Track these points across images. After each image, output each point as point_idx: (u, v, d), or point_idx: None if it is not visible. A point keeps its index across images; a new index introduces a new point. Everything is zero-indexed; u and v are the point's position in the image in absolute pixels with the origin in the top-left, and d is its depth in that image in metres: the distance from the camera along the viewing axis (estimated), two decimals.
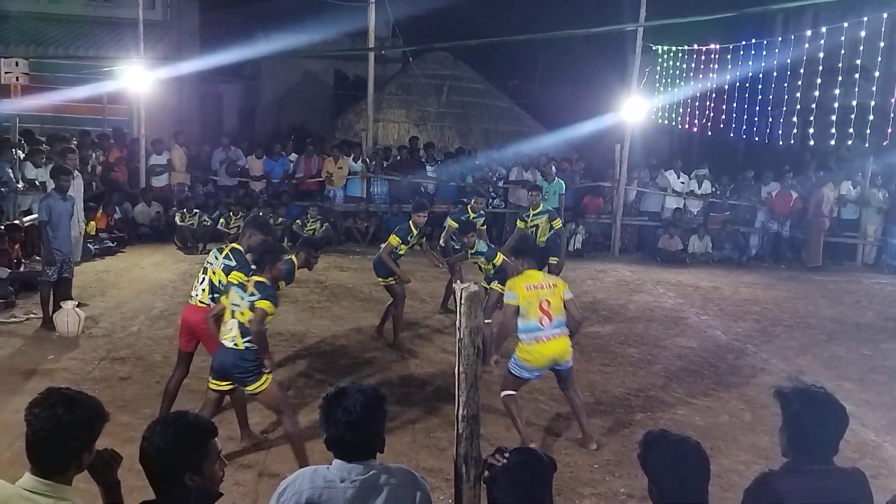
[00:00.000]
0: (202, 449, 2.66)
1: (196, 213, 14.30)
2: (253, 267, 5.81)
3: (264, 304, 5.45)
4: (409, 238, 8.97)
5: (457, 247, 9.86)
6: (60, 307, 8.83)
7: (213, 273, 6.23)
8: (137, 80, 15.19)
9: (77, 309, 8.87)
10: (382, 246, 9.17)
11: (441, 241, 10.82)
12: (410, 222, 9.07)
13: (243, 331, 5.44)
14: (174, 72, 17.00)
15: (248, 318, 5.44)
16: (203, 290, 6.27)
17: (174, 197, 15.35)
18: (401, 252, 8.99)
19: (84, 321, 8.87)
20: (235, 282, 5.67)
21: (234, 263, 6.05)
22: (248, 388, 5.59)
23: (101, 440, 2.69)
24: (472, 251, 8.91)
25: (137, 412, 6.51)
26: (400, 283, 8.94)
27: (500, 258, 8.74)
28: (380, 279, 9.05)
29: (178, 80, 19.19)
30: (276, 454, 5.96)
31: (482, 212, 10.69)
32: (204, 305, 6.19)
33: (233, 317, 5.50)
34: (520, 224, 10.59)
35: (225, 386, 5.66)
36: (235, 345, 5.46)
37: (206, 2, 24.71)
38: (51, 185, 9.76)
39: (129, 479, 2.77)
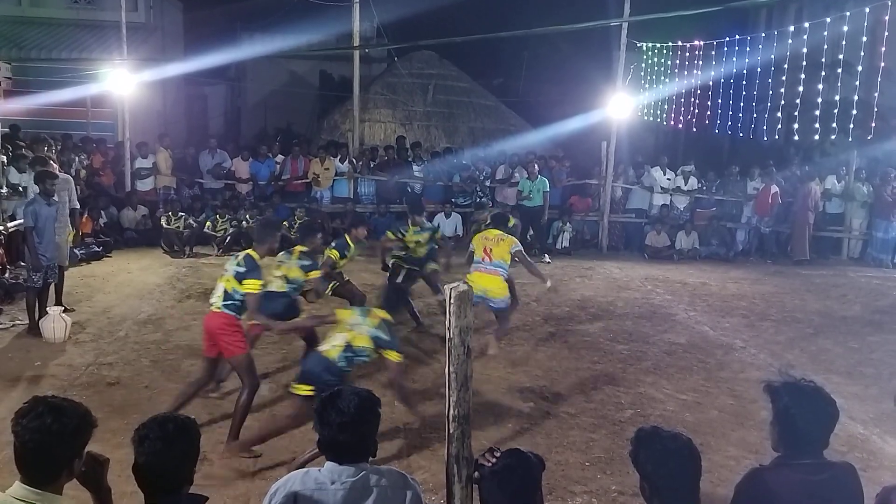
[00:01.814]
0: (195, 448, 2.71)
1: (182, 216, 14.22)
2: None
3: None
4: (346, 253, 8.68)
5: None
6: (46, 313, 8.78)
7: (227, 280, 6.17)
8: (121, 82, 15.10)
9: (63, 315, 8.81)
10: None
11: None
12: (348, 237, 8.75)
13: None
14: (158, 74, 16.94)
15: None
16: (218, 296, 6.21)
17: (160, 200, 15.27)
18: (338, 267, 8.71)
19: (70, 327, 8.81)
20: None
21: (244, 269, 6.07)
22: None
23: (90, 446, 2.67)
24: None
25: (127, 417, 6.47)
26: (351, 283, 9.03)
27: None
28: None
29: (163, 82, 19.14)
30: (268, 457, 5.94)
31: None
32: (219, 312, 6.14)
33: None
34: (390, 235, 9.87)
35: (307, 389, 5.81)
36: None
37: (189, 3, 24.64)
38: (34, 189, 9.68)
39: (120, 484, 2.75)
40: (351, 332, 5.74)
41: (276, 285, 7.42)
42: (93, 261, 12.93)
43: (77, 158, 14.57)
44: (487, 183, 16.36)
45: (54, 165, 12.39)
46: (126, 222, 14.75)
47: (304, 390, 5.57)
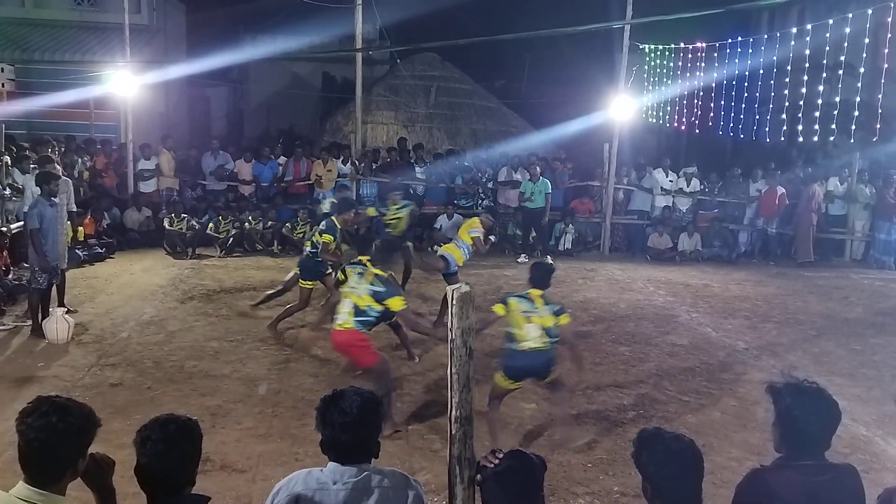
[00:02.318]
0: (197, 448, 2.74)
1: (185, 217, 14.24)
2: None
3: (567, 319, 6.19)
4: (336, 234, 9.06)
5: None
6: (50, 314, 8.80)
7: (359, 297, 6.43)
8: (124, 84, 15.13)
9: (66, 316, 8.83)
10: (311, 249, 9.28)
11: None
12: (335, 220, 9.13)
13: (549, 332, 6.03)
14: (161, 76, 16.97)
15: (553, 323, 6.05)
16: (347, 312, 6.45)
17: (163, 202, 15.30)
18: (335, 247, 9.27)
19: (73, 328, 8.83)
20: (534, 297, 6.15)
21: (382, 289, 6.39)
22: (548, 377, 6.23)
23: (94, 447, 2.68)
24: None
25: (130, 418, 6.48)
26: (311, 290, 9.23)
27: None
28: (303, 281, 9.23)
29: (166, 84, 19.18)
30: (269, 458, 5.95)
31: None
32: (347, 329, 6.43)
33: (529, 322, 6.02)
34: (371, 212, 11.38)
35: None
36: (539, 347, 6.03)
37: (192, 5, 24.68)
38: (34, 190, 9.71)
39: (122, 485, 2.76)
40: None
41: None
42: (96, 262, 12.97)
43: (80, 160, 14.62)
44: (489, 185, 16.36)
45: (57, 167, 12.46)
46: (129, 223, 14.78)
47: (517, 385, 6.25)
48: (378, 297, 6.40)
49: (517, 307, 6.09)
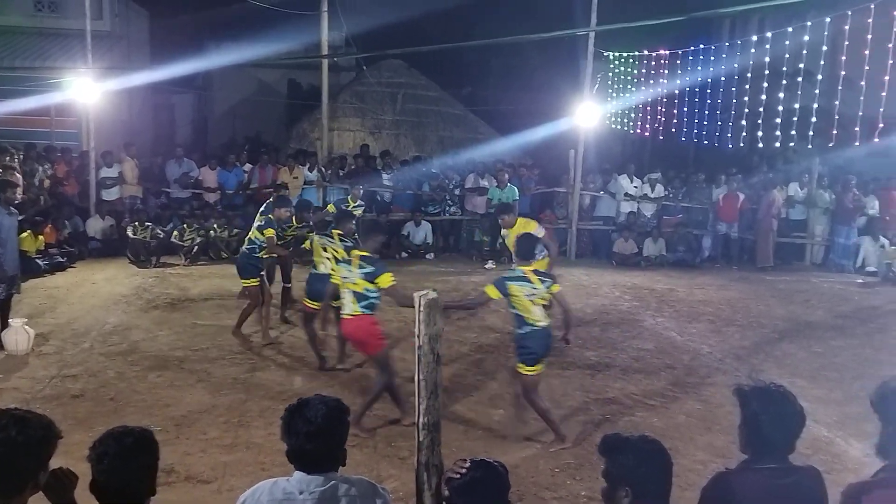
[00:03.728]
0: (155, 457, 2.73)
1: (149, 225, 14.02)
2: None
3: (558, 287, 6.54)
4: (274, 226, 9.16)
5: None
6: (9, 325, 8.61)
7: (355, 284, 6.67)
8: (85, 91, 14.88)
9: (26, 326, 8.65)
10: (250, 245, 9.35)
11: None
12: (271, 216, 9.21)
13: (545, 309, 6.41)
14: (124, 83, 16.70)
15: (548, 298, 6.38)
16: (351, 301, 6.72)
17: (126, 210, 15.07)
18: (283, 240, 9.70)
19: (33, 339, 8.66)
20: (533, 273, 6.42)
21: (371, 269, 6.67)
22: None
23: (55, 460, 2.63)
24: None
25: (92, 430, 6.34)
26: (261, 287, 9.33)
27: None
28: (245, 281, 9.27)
29: (129, 91, 18.89)
30: (235, 468, 5.88)
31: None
32: (358, 315, 6.69)
33: (533, 304, 6.30)
34: (331, 208, 11.54)
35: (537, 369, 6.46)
36: (546, 324, 6.38)
37: (155, 12, 24.38)
38: None
39: (85, 499, 2.70)
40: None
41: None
42: (56, 272, 12.72)
43: (41, 168, 14.35)
44: (456, 191, 16.37)
45: (17, 175, 12.23)
46: (91, 232, 14.54)
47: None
48: (370, 278, 6.64)
49: (521, 291, 6.31)
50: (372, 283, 6.64)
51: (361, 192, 12.73)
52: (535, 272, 6.43)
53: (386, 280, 6.63)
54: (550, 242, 9.12)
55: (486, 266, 14.54)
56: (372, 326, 6.72)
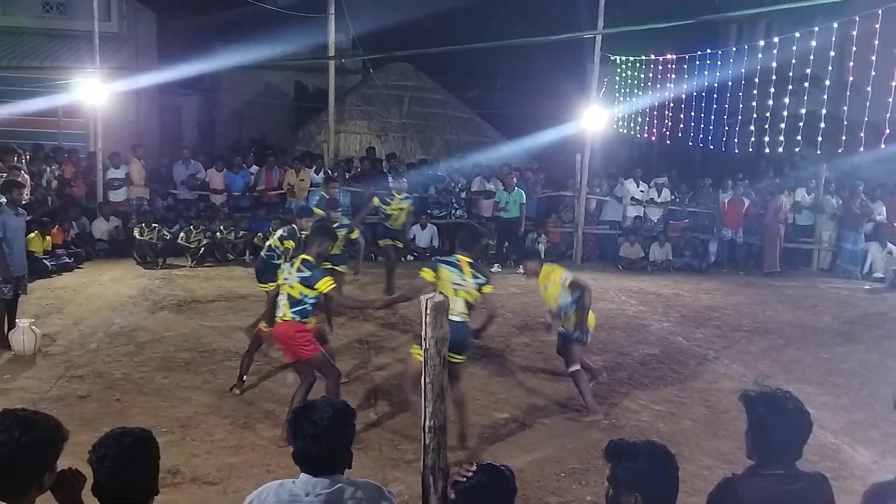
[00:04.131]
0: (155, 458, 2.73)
1: (155, 227, 14.05)
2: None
3: (490, 289, 6.37)
4: (296, 238, 9.03)
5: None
6: (16, 325, 8.64)
7: (291, 287, 6.46)
8: (93, 92, 14.95)
9: (33, 327, 8.67)
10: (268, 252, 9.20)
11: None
12: (295, 226, 9.17)
13: (469, 306, 6.24)
14: (131, 84, 16.78)
15: (475, 297, 6.25)
16: (284, 304, 6.51)
17: (133, 211, 15.12)
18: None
19: (41, 339, 8.68)
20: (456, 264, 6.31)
21: (307, 273, 6.40)
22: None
23: (61, 460, 2.63)
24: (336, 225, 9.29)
25: (98, 431, 6.29)
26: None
27: (356, 233, 9.90)
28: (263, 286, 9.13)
29: (136, 92, 18.97)
30: (241, 470, 5.89)
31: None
32: (288, 321, 6.45)
33: (456, 295, 6.11)
34: (386, 208, 11.50)
35: (461, 358, 6.30)
36: (464, 320, 6.22)
37: (163, 14, 24.47)
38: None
39: (91, 500, 2.71)
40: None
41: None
42: (64, 272, 12.76)
43: (48, 169, 14.40)
44: (463, 195, 16.38)
45: (24, 175, 12.27)
46: (98, 233, 14.58)
47: (460, 358, 6.30)
48: (308, 283, 6.40)
49: (448, 277, 6.21)
50: (310, 288, 6.39)
51: (405, 183, 12.08)
52: (471, 265, 6.30)
53: (325, 285, 6.38)
54: (586, 290, 7.42)
55: (492, 270, 14.53)
56: (298, 334, 6.42)
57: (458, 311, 6.11)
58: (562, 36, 13.03)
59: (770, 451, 2.98)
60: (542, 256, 15.38)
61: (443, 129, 21.12)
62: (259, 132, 26.21)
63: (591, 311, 7.48)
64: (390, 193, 11.71)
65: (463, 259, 6.33)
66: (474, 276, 6.25)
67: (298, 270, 6.48)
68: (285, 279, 6.58)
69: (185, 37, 25.24)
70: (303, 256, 6.65)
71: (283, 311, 6.49)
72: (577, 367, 7.32)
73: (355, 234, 10.01)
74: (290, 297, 6.45)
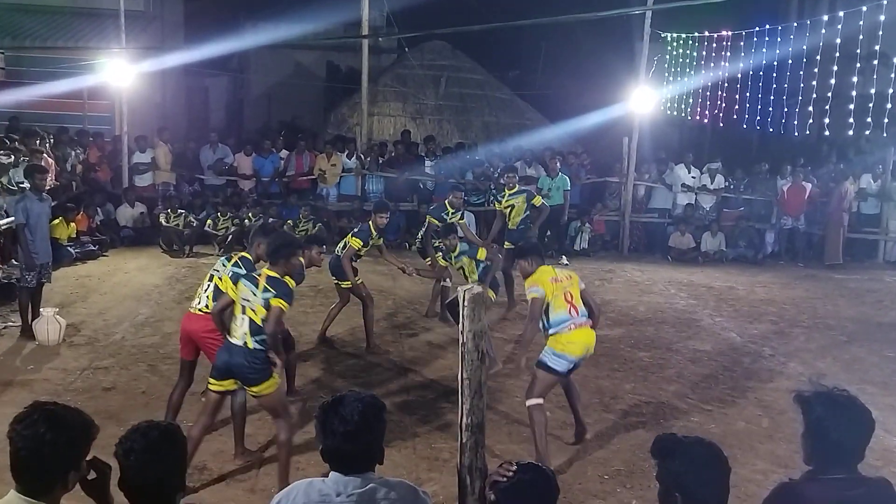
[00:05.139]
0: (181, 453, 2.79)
1: (182, 213, 14.25)
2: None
3: (280, 303, 5.42)
4: (369, 240, 9.07)
5: (437, 245, 9.88)
6: (40, 315, 8.82)
7: (220, 280, 6.23)
8: (119, 73, 15.15)
9: (58, 316, 8.85)
10: (342, 249, 9.11)
11: (419, 240, 11.35)
12: (371, 223, 9.12)
13: (254, 329, 5.42)
14: (158, 65, 16.98)
15: (262, 316, 5.41)
16: (207, 296, 6.27)
17: (159, 197, 15.33)
18: (361, 254, 9.18)
19: (65, 329, 8.86)
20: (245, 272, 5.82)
21: (243, 272, 5.97)
22: (253, 388, 5.53)
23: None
24: (455, 254, 9.05)
25: (124, 423, 6.47)
26: (363, 284, 9.16)
27: (482, 253, 8.96)
28: (339, 282, 9.14)
29: (162, 73, 19.19)
30: (269, 468, 5.96)
31: (461, 209, 10.90)
32: (206, 313, 6.15)
33: (243, 313, 5.47)
34: (497, 206, 11.18)
35: (227, 385, 5.60)
36: (245, 343, 5.43)
37: None
38: (17, 180, 9.73)
39: (119, 493, 2.76)
40: (248, 310, 5.48)
41: None
42: (88, 260, 13.01)
43: (73, 153, 14.65)
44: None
45: (49, 160, 12.47)
46: (123, 220, 14.82)
47: (225, 385, 5.60)
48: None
49: (241, 291, 5.53)
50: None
51: (463, 199, 11.01)
52: (269, 279, 5.45)
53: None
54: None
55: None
56: (216, 330, 5.89)
57: (235, 329, 5.50)
58: (610, 12, 12.86)
59: (830, 455, 2.94)
60: (588, 246, 15.35)
61: (481, 111, 21.03)
62: (289, 115, 26.32)
63: (581, 333, 6.22)
64: (444, 206, 10.67)
65: (266, 272, 5.55)
66: (265, 290, 5.43)
67: (234, 265, 6.17)
68: (216, 270, 6.35)
69: (213, 15, 25.41)
70: (243, 254, 6.37)
71: (206, 304, 6.20)
72: (535, 400, 6.13)
73: (482, 255, 8.99)
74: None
